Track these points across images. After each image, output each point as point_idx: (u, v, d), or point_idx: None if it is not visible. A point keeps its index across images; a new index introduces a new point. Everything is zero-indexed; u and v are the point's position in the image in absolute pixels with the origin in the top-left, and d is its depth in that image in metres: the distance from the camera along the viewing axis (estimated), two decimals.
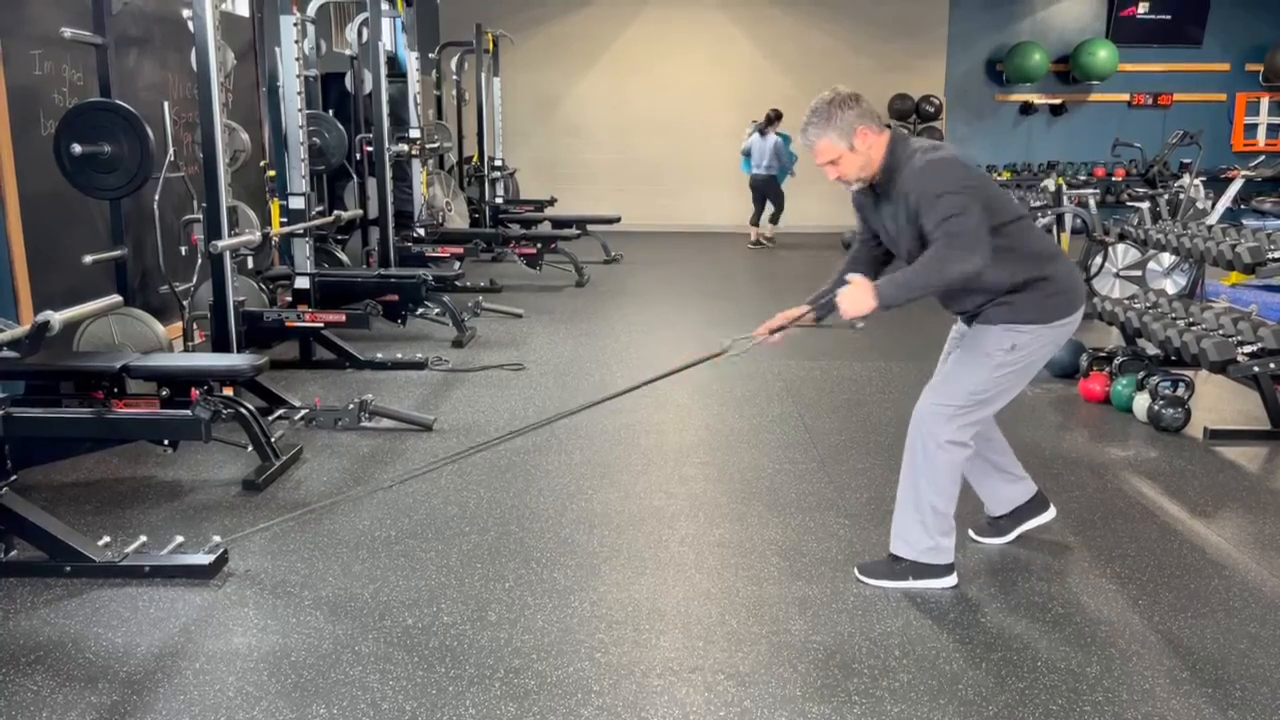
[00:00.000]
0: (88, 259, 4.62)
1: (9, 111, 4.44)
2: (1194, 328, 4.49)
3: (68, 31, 4.53)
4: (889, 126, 2.84)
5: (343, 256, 7.27)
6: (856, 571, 3.02)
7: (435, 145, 8.94)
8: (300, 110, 5.81)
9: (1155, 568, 3.12)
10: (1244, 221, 8.76)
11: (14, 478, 3.09)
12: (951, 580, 2.95)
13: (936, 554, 2.93)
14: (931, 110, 12.47)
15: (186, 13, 4.53)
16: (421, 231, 7.99)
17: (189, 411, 3.47)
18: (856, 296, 2.72)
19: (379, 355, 5.59)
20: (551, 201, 11.07)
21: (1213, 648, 2.64)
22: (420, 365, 5.55)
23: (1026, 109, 12.85)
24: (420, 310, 6.18)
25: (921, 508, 2.89)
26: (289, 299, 5.95)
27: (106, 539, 3.09)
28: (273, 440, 3.90)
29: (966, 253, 2.61)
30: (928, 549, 2.92)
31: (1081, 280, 2.92)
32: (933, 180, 2.68)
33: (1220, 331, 4.39)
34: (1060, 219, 7.87)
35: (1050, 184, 8.36)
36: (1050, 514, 3.28)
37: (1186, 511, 3.59)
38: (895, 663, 2.56)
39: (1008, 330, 2.81)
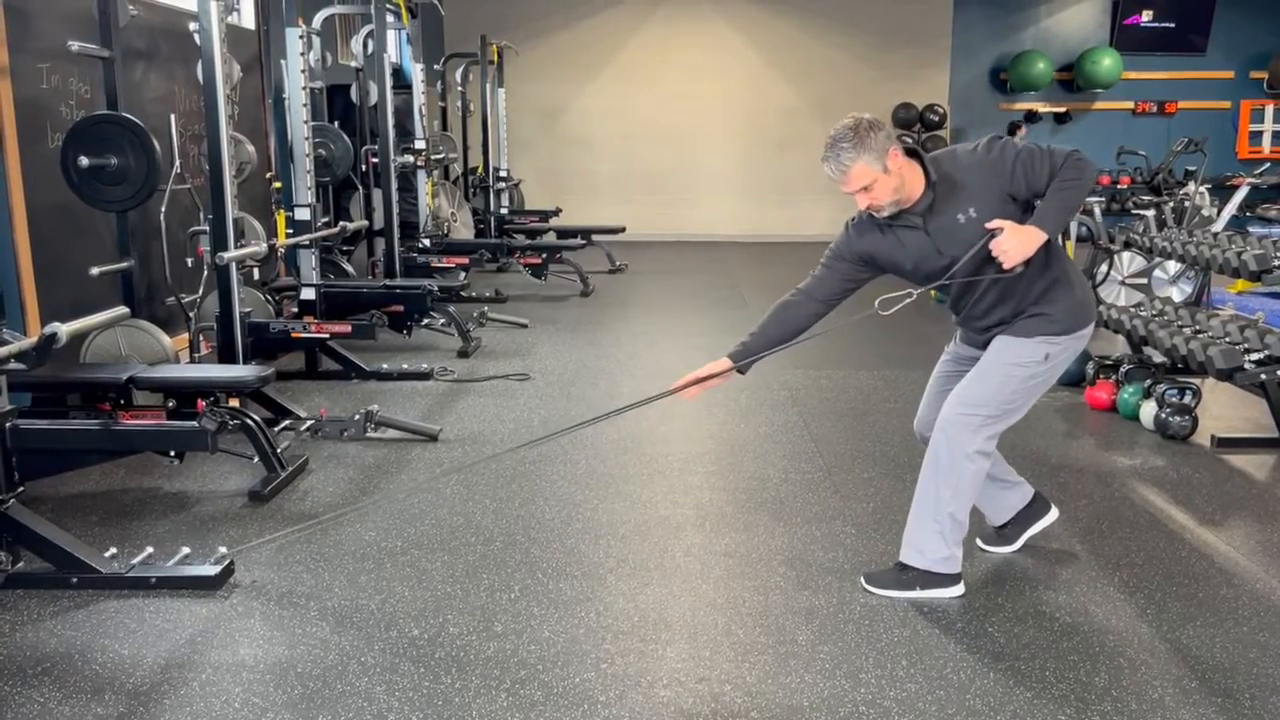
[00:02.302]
0: (94, 271, 4.64)
1: (17, 124, 4.47)
2: (1200, 335, 4.48)
3: (75, 45, 4.55)
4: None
5: (348, 267, 7.29)
6: (863, 581, 3.02)
7: (440, 156, 8.95)
8: (306, 122, 5.82)
9: (1163, 576, 3.11)
10: (1250, 229, 8.74)
11: (21, 489, 3.09)
12: (959, 589, 2.94)
13: (949, 564, 2.92)
14: (936, 119, 12.47)
15: (193, 26, 4.55)
16: (427, 242, 8.00)
17: (195, 423, 3.48)
18: (1021, 238, 2.60)
19: (384, 366, 5.60)
20: (556, 212, 11.07)
21: (1221, 657, 2.63)
22: (426, 376, 5.55)
23: (1031, 117, 12.84)
24: (426, 321, 6.18)
25: (941, 518, 2.88)
26: (295, 310, 5.97)
27: (113, 550, 3.09)
28: (279, 451, 3.91)
29: (1084, 161, 2.65)
30: (943, 559, 2.91)
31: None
32: (1003, 149, 2.72)
33: (1227, 339, 4.38)
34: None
35: None
36: (1053, 515, 3.27)
37: (1194, 520, 3.58)
38: (903, 672, 2.55)
39: (1043, 342, 2.82)
